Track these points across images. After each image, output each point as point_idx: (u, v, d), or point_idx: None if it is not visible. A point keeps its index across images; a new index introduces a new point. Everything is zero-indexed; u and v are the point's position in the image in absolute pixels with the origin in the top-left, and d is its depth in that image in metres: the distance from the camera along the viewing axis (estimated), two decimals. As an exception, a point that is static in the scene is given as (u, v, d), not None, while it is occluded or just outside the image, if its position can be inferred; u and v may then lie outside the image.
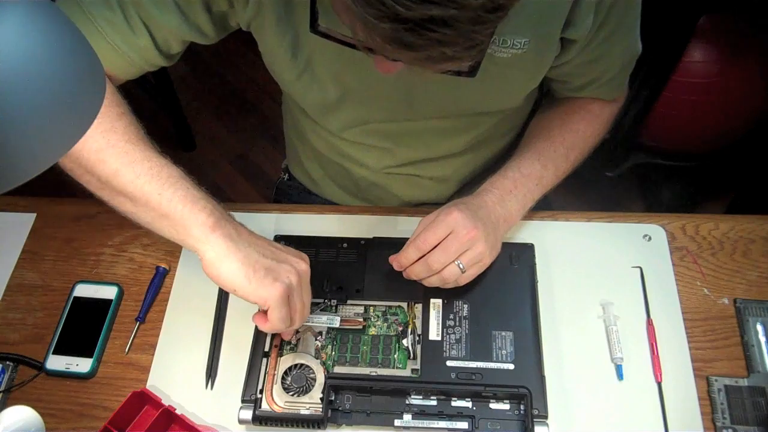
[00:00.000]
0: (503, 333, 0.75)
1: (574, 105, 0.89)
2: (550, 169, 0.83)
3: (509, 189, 0.80)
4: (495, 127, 0.91)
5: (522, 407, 0.71)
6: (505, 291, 0.78)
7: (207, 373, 0.77)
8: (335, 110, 0.85)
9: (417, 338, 0.75)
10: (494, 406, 0.71)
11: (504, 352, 0.74)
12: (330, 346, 0.76)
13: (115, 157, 0.70)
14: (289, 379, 0.73)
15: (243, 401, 0.72)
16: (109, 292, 0.84)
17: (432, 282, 0.74)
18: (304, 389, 0.72)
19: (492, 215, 0.77)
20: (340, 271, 0.81)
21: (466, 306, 0.77)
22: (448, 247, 0.72)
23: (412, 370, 0.73)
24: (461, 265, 0.72)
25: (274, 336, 0.76)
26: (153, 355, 0.80)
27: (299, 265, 0.70)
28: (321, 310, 0.78)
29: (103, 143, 0.71)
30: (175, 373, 0.78)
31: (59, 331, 0.81)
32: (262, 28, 0.75)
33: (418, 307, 0.78)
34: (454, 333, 0.75)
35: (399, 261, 0.75)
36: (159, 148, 0.74)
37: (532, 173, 0.81)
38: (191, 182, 0.71)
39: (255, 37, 0.78)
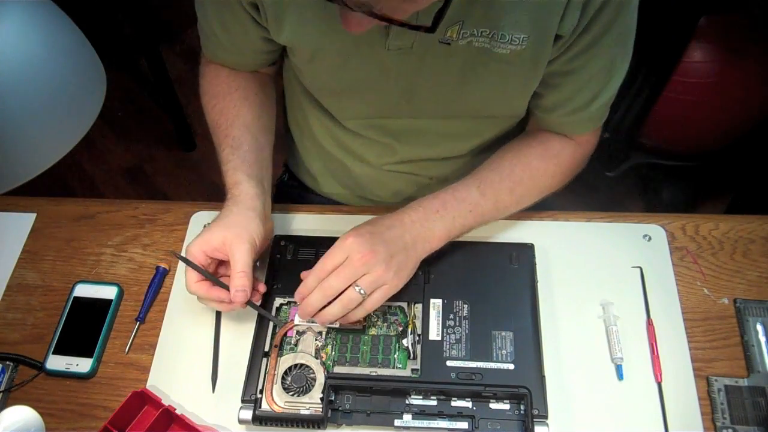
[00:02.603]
0: (503, 333, 0.75)
1: (533, 140, 0.86)
2: (490, 199, 0.80)
3: (436, 209, 0.78)
4: (498, 136, 0.90)
5: (522, 407, 0.71)
6: (505, 291, 0.78)
7: (213, 379, 0.77)
8: (340, 96, 0.86)
9: (417, 338, 0.75)
10: (494, 406, 0.71)
11: (504, 352, 0.74)
12: (330, 346, 0.76)
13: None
14: (289, 379, 0.73)
15: (243, 401, 0.72)
16: (109, 292, 0.85)
17: (335, 311, 0.71)
18: (304, 389, 0.72)
19: (406, 235, 0.75)
20: (340, 271, 0.81)
21: (466, 306, 0.77)
22: (341, 272, 0.70)
23: (412, 370, 0.73)
24: (361, 291, 0.70)
25: (274, 336, 0.76)
26: (153, 355, 0.80)
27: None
28: (321, 310, 0.78)
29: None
30: (175, 373, 0.78)
31: (59, 331, 0.81)
32: None
33: (418, 307, 0.77)
34: (454, 333, 0.75)
35: (299, 292, 0.73)
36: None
37: (467, 198, 0.79)
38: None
39: None
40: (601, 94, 0.80)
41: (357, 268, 0.70)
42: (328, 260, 0.71)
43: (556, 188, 0.87)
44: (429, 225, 0.77)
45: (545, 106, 0.83)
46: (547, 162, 0.85)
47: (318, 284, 0.71)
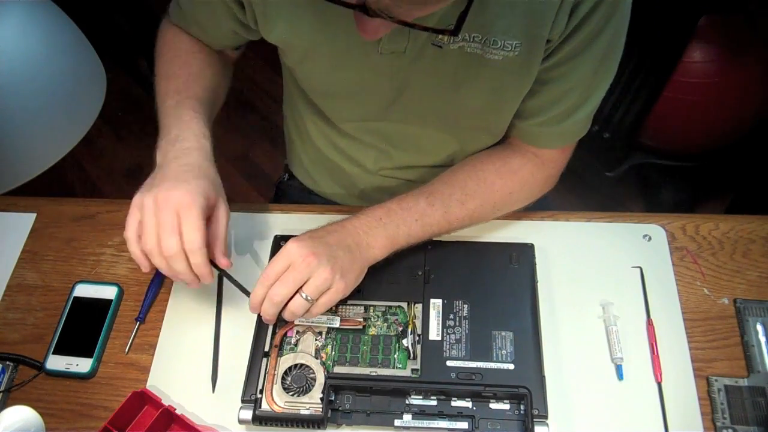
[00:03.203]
0: (503, 333, 0.75)
1: (493, 155, 0.85)
2: (438, 210, 0.79)
3: (379, 216, 0.77)
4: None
5: (522, 407, 0.71)
6: (505, 291, 0.78)
7: (213, 379, 0.77)
8: (334, 98, 0.86)
9: (417, 338, 0.75)
10: (494, 406, 0.71)
11: (504, 352, 0.74)
12: (330, 346, 0.76)
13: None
14: (289, 379, 0.73)
15: (243, 401, 0.72)
16: (109, 292, 0.85)
17: (287, 317, 0.71)
18: (304, 389, 0.72)
19: (348, 238, 0.74)
20: (340, 271, 0.81)
21: (466, 306, 0.77)
22: (285, 278, 0.69)
23: (412, 370, 0.73)
24: (307, 297, 0.69)
25: (274, 336, 0.76)
26: (153, 355, 0.80)
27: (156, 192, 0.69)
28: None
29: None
30: (175, 373, 0.78)
31: (59, 331, 0.81)
32: None
33: (418, 307, 0.78)
34: (454, 333, 0.75)
35: (252, 303, 0.72)
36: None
37: (412, 207, 0.78)
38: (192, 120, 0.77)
39: None
40: (577, 109, 0.78)
41: (300, 271, 0.69)
42: (271, 268, 0.70)
43: (517, 206, 0.85)
44: (372, 232, 0.76)
45: (521, 112, 0.81)
46: (504, 178, 0.83)
47: (266, 292, 0.71)
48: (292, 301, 0.70)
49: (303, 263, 0.69)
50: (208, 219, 0.71)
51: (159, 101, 0.81)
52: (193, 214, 0.68)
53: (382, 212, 0.77)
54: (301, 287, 0.70)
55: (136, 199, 0.70)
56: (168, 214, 0.67)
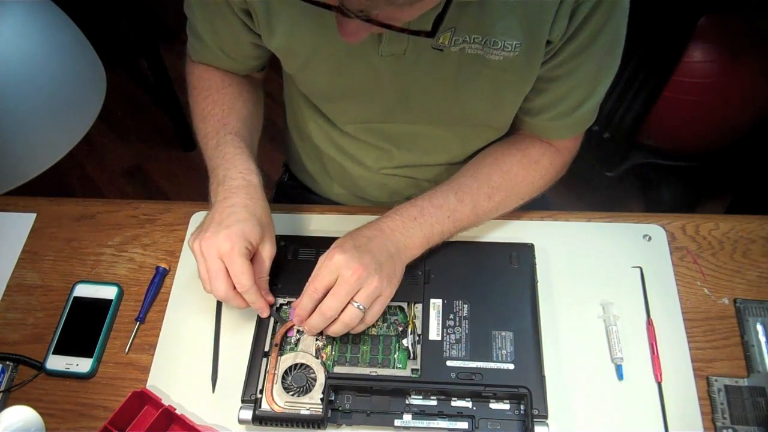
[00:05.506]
0: (503, 333, 0.75)
1: (512, 147, 0.86)
2: (467, 205, 0.80)
3: (414, 216, 0.77)
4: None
5: (522, 407, 0.71)
6: (505, 291, 0.78)
7: (213, 379, 0.77)
8: (337, 101, 0.86)
9: (417, 338, 0.75)
10: (494, 406, 0.71)
11: (504, 352, 0.74)
12: (330, 346, 0.76)
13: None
14: (289, 378, 0.73)
15: (243, 401, 0.72)
16: (109, 292, 0.85)
17: (336, 330, 0.71)
18: (304, 389, 0.72)
19: (388, 243, 0.74)
20: (340, 271, 0.81)
21: (466, 306, 0.77)
22: (337, 291, 0.69)
23: (412, 370, 0.73)
24: (360, 306, 0.70)
25: (274, 335, 0.76)
26: (153, 355, 0.80)
27: (218, 242, 0.70)
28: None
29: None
30: (175, 373, 0.78)
31: (59, 331, 0.81)
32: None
33: (418, 307, 0.78)
34: (454, 333, 0.75)
35: (298, 315, 0.72)
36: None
37: (444, 204, 0.79)
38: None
39: None
40: (586, 101, 0.79)
41: (351, 284, 0.69)
42: (319, 281, 0.70)
43: (536, 194, 0.86)
44: (408, 233, 0.76)
45: (529, 110, 0.82)
46: (526, 169, 0.84)
47: (314, 305, 0.71)
48: (345, 312, 0.70)
49: (353, 276, 0.69)
50: (254, 256, 0.73)
51: (202, 144, 0.83)
52: (234, 260, 0.70)
53: (415, 212, 0.78)
54: (351, 298, 0.70)
55: (189, 243, 0.73)
56: (212, 260, 0.70)
